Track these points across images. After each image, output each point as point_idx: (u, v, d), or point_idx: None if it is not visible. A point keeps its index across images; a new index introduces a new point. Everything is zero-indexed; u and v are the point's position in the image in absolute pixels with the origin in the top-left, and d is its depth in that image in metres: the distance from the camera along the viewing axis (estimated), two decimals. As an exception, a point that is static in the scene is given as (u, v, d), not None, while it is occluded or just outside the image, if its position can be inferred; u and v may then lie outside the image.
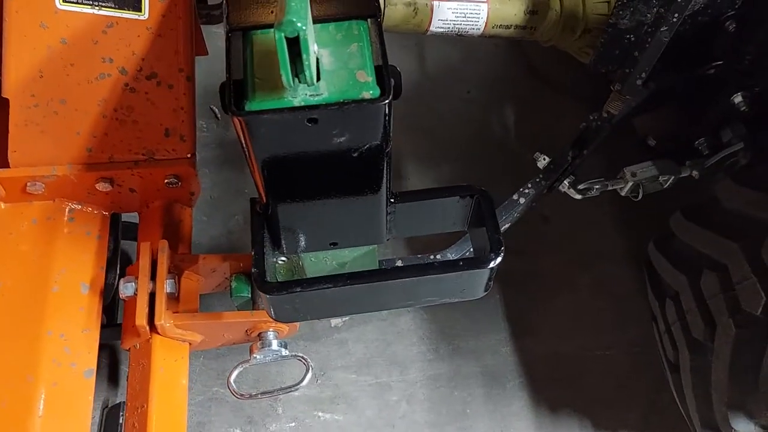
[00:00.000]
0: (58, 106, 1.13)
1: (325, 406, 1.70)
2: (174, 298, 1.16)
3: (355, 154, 0.82)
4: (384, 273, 0.91)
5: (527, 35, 1.53)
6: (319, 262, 1.11)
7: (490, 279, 0.97)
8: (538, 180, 1.36)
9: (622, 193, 1.43)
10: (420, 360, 1.77)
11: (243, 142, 0.79)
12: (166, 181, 1.20)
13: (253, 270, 0.91)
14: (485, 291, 1.00)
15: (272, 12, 0.82)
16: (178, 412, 1.11)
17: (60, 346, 1.10)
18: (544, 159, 1.40)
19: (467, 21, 1.46)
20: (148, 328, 1.11)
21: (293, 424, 1.67)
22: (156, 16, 1.11)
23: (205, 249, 1.91)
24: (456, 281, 0.95)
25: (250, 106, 0.75)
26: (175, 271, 1.18)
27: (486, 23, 1.47)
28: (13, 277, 1.13)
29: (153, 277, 1.14)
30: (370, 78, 0.77)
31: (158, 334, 1.13)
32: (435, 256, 1.26)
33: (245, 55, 0.80)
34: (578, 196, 1.39)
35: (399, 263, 1.23)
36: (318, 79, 0.76)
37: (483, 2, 1.46)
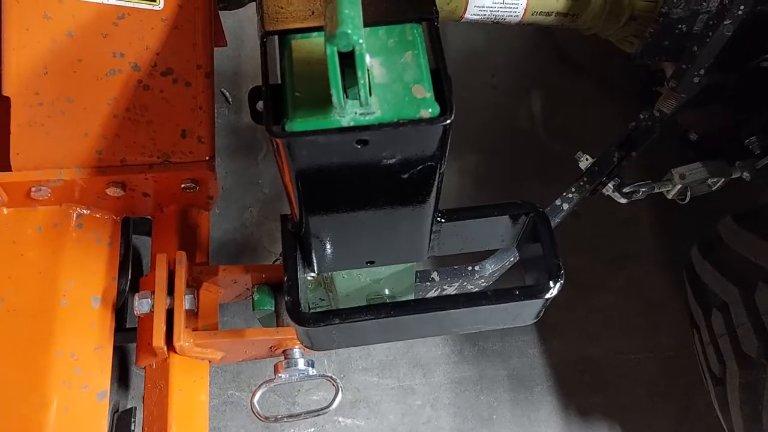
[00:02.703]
0: (65, 105, 1.03)
1: (346, 411, 1.63)
2: (193, 314, 1.07)
3: (405, 176, 0.72)
4: (431, 303, 0.82)
5: (568, 23, 1.42)
6: (352, 279, 1.02)
7: (545, 305, 0.88)
8: (581, 183, 1.26)
9: (669, 196, 1.34)
10: (444, 362, 1.70)
11: (279, 161, 0.69)
12: (182, 185, 1.10)
13: (286, 298, 0.82)
14: (538, 317, 0.91)
15: (312, 13, 0.71)
16: (199, 437, 1.04)
17: (70, 366, 1.02)
18: (587, 159, 1.29)
19: (505, 8, 1.34)
20: (165, 348, 1.02)
21: (312, 429, 1.61)
22: (172, 5, 1.00)
23: (218, 243, 1.83)
24: (509, 310, 0.86)
25: (292, 126, 0.65)
26: (194, 284, 1.09)
27: (525, 10, 1.36)
28: (17, 291, 1.05)
29: (170, 291, 1.06)
30: (428, 93, 0.67)
31: (176, 353, 1.04)
32: (473, 267, 1.17)
33: (283, 65, 0.69)
34: (623, 200, 1.30)
35: (435, 275, 1.15)
36: (369, 94, 0.66)
37: (523, -13, 1.34)
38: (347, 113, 0.65)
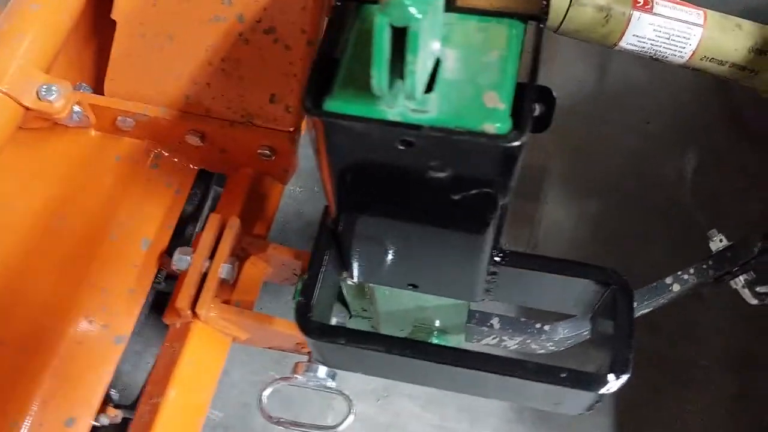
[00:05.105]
0: (165, 42, 1.01)
1: (379, 432, 1.52)
2: (230, 285, 1.01)
3: (456, 197, 0.60)
4: (453, 355, 0.68)
5: (743, 78, 1.19)
6: (394, 298, 0.91)
7: (599, 401, 0.71)
8: (704, 267, 1.04)
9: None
10: (497, 416, 1.53)
11: (313, 143, 0.60)
12: (258, 150, 1.04)
13: (298, 298, 0.72)
14: (587, 411, 0.75)
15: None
16: (195, 414, 0.97)
17: (98, 301, 1.00)
18: (721, 241, 1.07)
19: (670, 44, 1.15)
20: (189, 312, 0.97)
21: (340, 440, 1.51)
22: (289, -39, 0.94)
23: (307, 222, 1.78)
24: (550, 392, 0.70)
25: (330, 105, 0.55)
26: (241, 255, 1.03)
27: (694, 52, 1.16)
28: (78, 213, 1.04)
29: (214, 255, 1.00)
30: (502, 105, 0.54)
31: (200, 320, 0.99)
32: (542, 326, 1.01)
33: (347, 37, 0.59)
34: (754, 301, 1.06)
35: (495, 322, 1.00)
36: (430, 89, 0.55)
37: (698, 25, 1.14)
38: (397, 105, 0.54)
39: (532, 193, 1.82)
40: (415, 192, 0.61)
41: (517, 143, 0.52)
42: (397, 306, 0.92)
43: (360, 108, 0.54)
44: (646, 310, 1.05)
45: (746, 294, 1.05)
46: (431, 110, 0.53)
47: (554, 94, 0.67)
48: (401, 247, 0.72)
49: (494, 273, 0.75)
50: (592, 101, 1.96)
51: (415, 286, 0.81)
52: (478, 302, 0.84)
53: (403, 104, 0.54)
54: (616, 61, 1.96)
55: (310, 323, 0.71)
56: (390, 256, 0.75)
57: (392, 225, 0.68)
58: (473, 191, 0.58)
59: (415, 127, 0.53)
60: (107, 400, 1.18)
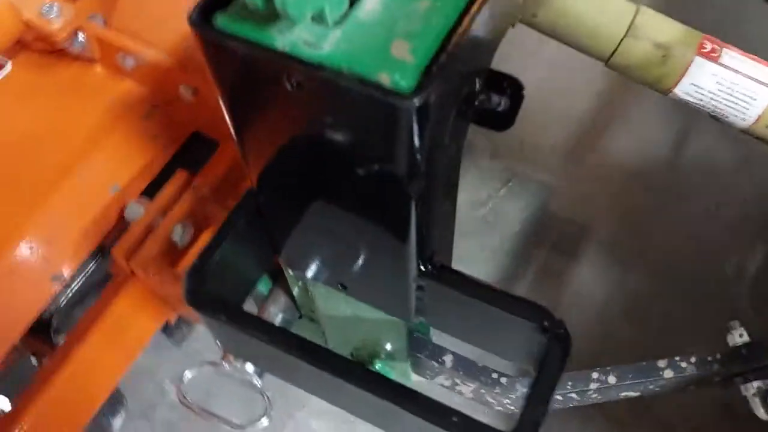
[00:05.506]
0: (177, -15, 0.97)
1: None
2: (179, 250, 0.94)
3: (361, 171, 0.50)
4: (338, 364, 0.57)
5: (817, 159, 1.02)
6: (332, 300, 0.80)
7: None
8: (710, 360, 0.87)
9: None
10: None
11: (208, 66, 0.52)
12: (247, 118, 0.98)
13: (194, 261, 0.64)
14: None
15: None
16: (105, 376, 0.90)
17: (47, 232, 0.95)
18: (741, 336, 0.90)
19: (731, 103, 1.00)
20: (125, 264, 0.90)
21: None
22: None
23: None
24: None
25: (218, 20, 0.47)
26: (202, 222, 0.96)
27: (759, 117, 1.00)
28: (57, 140, 1.01)
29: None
30: (411, 57, 0.43)
31: (138, 278, 0.92)
32: (498, 377, 0.87)
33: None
34: (765, 416, 0.88)
35: (448, 359, 0.87)
36: (338, 22, 0.46)
37: (769, 86, 0.98)
38: (291, 35, 0.45)
39: (568, 248, 1.67)
40: (319, 157, 0.52)
41: (412, 103, 0.42)
42: (336, 311, 0.82)
43: (250, 30, 0.46)
44: (632, 394, 0.89)
45: (756, 404, 0.87)
46: (326, 46, 0.44)
47: (524, 92, 0.57)
48: (319, 230, 0.63)
49: (421, 287, 0.64)
50: (662, 169, 1.79)
51: (344, 287, 0.71)
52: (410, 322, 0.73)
53: (297, 36, 0.45)
54: (699, 130, 1.78)
55: (195, 290, 0.62)
56: (311, 241, 0.66)
57: (305, 198, 0.59)
58: (375, 165, 0.48)
59: (301, 62, 0.44)
60: (53, 343, 1.14)
